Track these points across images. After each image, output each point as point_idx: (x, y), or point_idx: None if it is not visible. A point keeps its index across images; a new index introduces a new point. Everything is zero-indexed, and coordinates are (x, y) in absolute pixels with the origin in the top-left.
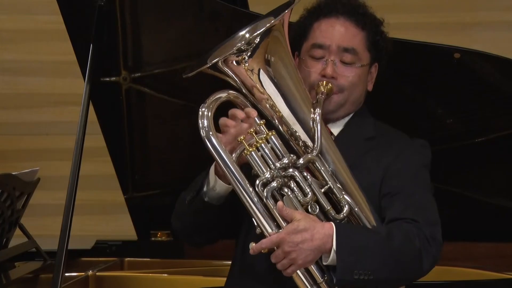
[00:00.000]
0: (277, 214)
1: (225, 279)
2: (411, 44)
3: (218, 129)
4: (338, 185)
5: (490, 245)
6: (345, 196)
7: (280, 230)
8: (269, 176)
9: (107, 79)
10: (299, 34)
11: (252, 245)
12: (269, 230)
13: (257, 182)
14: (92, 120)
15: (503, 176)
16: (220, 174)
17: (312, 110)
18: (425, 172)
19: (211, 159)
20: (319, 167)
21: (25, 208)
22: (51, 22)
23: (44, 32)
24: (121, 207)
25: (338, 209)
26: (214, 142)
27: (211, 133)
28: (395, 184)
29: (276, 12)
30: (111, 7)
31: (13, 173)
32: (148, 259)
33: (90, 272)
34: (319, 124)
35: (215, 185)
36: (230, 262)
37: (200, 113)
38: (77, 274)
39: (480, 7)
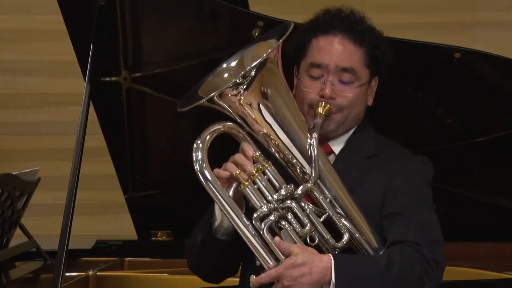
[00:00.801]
0: (275, 248)
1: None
2: (411, 44)
3: (213, 161)
4: (338, 211)
5: (490, 245)
6: (345, 223)
7: (279, 263)
8: (266, 210)
9: (107, 79)
10: (297, 48)
11: (252, 278)
12: (268, 263)
13: (255, 216)
14: (92, 120)
15: (503, 176)
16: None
17: (308, 135)
18: (427, 190)
19: (211, 158)
20: (318, 196)
21: (26, 208)
22: (51, 22)
23: (44, 32)
24: (121, 207)
25: (338, 237)
26: (207, 176)
27: (204, 165)
28: (395, 205)
29: (268, 37)
30: (111, 7)
31: (14, 173)
32: (149, 259)
33: (90, 272)
34: (316, 149)
35: (223, 220)
36: None
37: (195, 145)
38: (78, 274)
39: (480, 7)
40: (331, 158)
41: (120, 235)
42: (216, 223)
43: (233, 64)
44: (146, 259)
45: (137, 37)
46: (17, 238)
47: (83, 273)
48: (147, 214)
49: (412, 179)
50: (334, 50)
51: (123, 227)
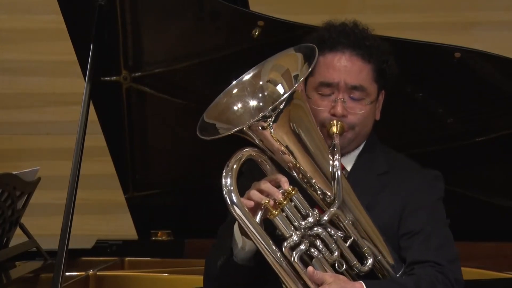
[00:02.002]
0: (305, 276)
1: None
2: (411, 44)
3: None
4: (361, 233)
5: (490, 245)
6: (369, 245)
7: None
8: (296, 239)
9: (108, 78)
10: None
11: None
12: None
13: (285, 244)
14: (92, 120)
15: (504, 175)
16: (246, 234)
17: (330, 157)
18: (441, 206)
19: (212, 158)
20: (343, 221)
21: (26, 207)
22: (51, 21)
23: (45, 32)
24: (122, 207)
25: (362, 260)
26: (237, 203)
27: (233, 192)
28: (413, 223)
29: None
30: (112, 7)
31: (14, 173)
32: (149, 258)
33: (90, 272)
34: (339, 171)
35: (244, 245)
36: None
37: (224, 173)
38: (78, 273)
39: (481, 6)
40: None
41: (120, 234)
42: (237, 249)
43: (247, 77)
44: (146, 258)
45: (137, 36)
46: (17, 238)
47: (83, 273)
48: (147, 214)
49: (427, 197)
50: (343, 67)
51: (123, 226)
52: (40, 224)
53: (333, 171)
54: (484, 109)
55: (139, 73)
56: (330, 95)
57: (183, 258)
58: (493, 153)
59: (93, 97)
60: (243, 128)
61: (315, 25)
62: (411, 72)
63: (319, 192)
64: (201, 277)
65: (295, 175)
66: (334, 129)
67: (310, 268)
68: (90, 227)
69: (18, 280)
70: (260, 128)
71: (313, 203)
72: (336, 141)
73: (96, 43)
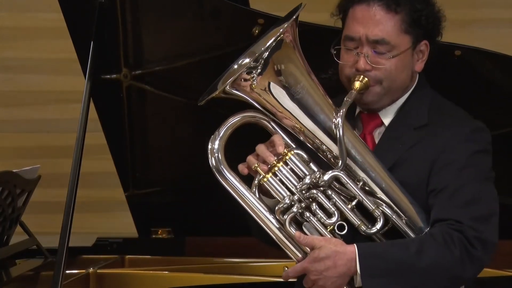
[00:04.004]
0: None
1: (225, 276)
2: None
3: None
4: (378, 195)
5: None
6: (380, 208)
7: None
8: (288, 202)
9: (108, 76)
10: (341, 17)
11: (285, 269)
12: (297, 256)
13: (276, 208)
14: (92, 118)
15: (504, 173)
16: (263, 191)
17: (334, 115)
18: (479, 160)
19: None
20: (346, 181)
21: (26, 205)
22: (51, 19)
23: (45, 30)
24: (122, 205)
25: (375, 221)
26: (221, 168)
27: (220, 158)
28: (440, 180)
29: (282, 21)
30: (112, 5)
31: (14, 171)
32: (149, 256)
33: (91, 270)
34: (341, 130)
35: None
36: (230, 260)
37: (213, 136)
38: (78, 271)
39: (481, 4)
40: (381, 130)
41: (120, 232)
42: None
43: (247, 59)
44: (146, 256)
45: (138, 34)
46: (18, 236)
47: (84, 271)
48: (148, 212)
49: (461, 151)
50: (366, 20)
51: (123, 224)
52: (41, 222)
53: (336, 130)
54: (485, 106)
55: (140, 71)
56: (355, 49)
57: (184, 256)
58: (493, 151)
59: (93, 95)
60: (225, 87)
61: (315, 23)
62: None
63: (329, 156)
64: (202, 275)
65: (303, 139)
66: (357, 84)
67: (297, 233)
68: (90, 225)
69: (18, 278)
70: (245, 84)
71: (327, 167)
72: (348, 97)
73: (96, 41)
